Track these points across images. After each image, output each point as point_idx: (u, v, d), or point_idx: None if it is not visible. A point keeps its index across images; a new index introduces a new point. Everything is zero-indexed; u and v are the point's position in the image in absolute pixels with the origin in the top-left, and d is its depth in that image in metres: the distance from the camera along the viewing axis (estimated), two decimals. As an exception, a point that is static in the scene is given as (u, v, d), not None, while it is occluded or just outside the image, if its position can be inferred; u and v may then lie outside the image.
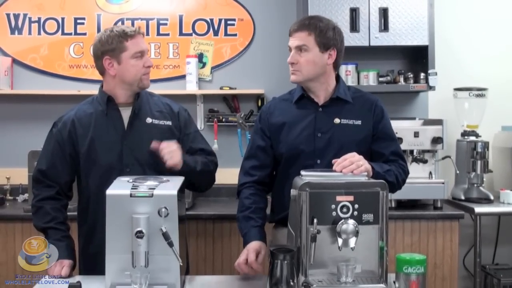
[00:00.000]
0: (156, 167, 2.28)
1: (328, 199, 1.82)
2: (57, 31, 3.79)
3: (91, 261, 2.26)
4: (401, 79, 3.58)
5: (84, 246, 2.36)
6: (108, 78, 2.34)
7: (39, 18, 3.78)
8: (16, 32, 3.78)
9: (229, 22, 3.82)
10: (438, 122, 3.37)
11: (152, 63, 2.37)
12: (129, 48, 2.27)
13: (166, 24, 3.81)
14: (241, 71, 3.82)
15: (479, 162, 3.45)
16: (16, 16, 3.78)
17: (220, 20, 3.81)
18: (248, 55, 3.83)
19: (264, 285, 1.88)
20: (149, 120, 2.35)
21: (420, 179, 3.31)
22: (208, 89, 3.79)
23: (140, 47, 2.30)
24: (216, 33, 3.81)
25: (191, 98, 3.76)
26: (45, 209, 2.28)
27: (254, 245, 2.12)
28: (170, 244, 1.80)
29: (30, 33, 3.78)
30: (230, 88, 3.76)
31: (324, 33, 2.21)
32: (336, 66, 2.29)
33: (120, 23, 3.75)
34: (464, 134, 3.55)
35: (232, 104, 3.79)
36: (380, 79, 3.60)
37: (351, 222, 1.80)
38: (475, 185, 3.47)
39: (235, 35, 3.82)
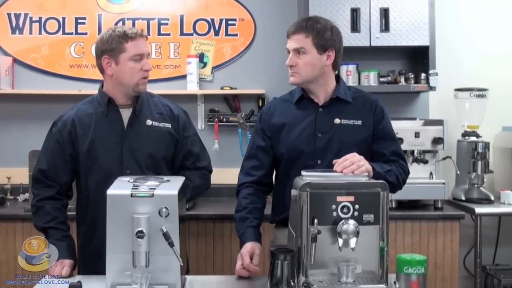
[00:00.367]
0: (156, 170, 2.29)
1: (329, 199, 1.82)
2: (58, 31, 3.79)
3: (90, 260, 2.27)
4: (402, 80, 3.59)
5: (83, 245, 2.35)
6: (106, 78, 2.35)
7: (40, 18, 3.78)
8: (17, 32, 3.78)
9: (230, 22, 3.82)
10: (439, 122, 3.37)
11: (151, 67, 2.35)
12: (128, 49, 2.27)
13: (167, 24, 3.81)
14: (242, 71, 3.82)
15: (479, 162, 3.45)
16: (17, 16, 3.78)
17: (221, 20, 3.81)
18: (249, 55, 3.83)
19: (264, 285, 1.88)
20: (149, 122, 2.35)
21: (421, 180, 3.31)
22: (209, 89, 3.79)
23: (140, 49, 2.29)
24: (217, 33, 3.82)
25: (192, 98, 3.76)
26: (45, 209, 2.28)
27: (247, 247, 2.12)
28: (171, 244, 1.80)
29: (31, 32, 3.78)
30: (231, 88, 3.76)
31: (322, 35, 2.20)
32: (335, 66, 2.29)
33: (121, 23, 3.75)
34: (465, 134, 3.55)
35: (233, 104, 3.79)
36: (381, 79, 3.60)
37: (352, 222, 1.80)
38: (476, 185, 3.46)
39: (236, 35, 3.82)
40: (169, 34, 3.81)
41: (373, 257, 1.85)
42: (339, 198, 1.82)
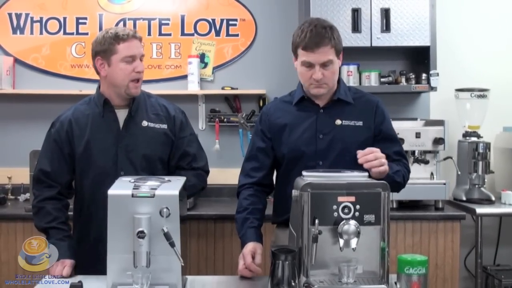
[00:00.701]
0: (151, 171, 2.29)
1: (330, 199, 1.82)
2: (59, 31, 3.79)
3: (85, 259, 2.24)
4: (403, 80, 3.59)
5: (78, 244, 2.33)
6: (102, 79, 2.37)
7: (41, 18, 3.79)
8: (18, 32, 3.79)
9: (231, 22, 3.82)
10: (440, 122, 3.37)
11: (143, 69, 2.33)
12: (119, 51, 2.27)
13: (168, 24, 3.81)
14: (242, 71, 3.82)
15: (480, 163, 3.45)
16: (18, 16, 3.78)
17: (222, 20, 3.81)
18: (250, 55, 3.83)
19: (265, 286, 1.88)
20: (145, 123, 2.35)
21: (422, 180, 3.32)
22: (209, 89, 3.79)
23: (132, 51, 2.28)
24: (218, 33, 3.82)
25: (193, 98, 3.77)
26: (46, 209, 2.28)
27: (249, 247, 2.12)
28: (172, 245, 1.80)
29: (32, 32, 3.79)
30: (232, 88, 3.76)
31: (338, 40, 2.17)
32: None
33: (122, 23, 3.75)
34: (466, 135, 3.55)
35: (234, 104, 3.79)
36: (382, 79, 3.60)
37: (353, 222, 1.80)
38: (477, 186, 3.46)
39: (237, 35, 3.82)
40: (170, 34, 3.81)
41: (374, 258, 1.85)
42: (340, 199, 1.81)
